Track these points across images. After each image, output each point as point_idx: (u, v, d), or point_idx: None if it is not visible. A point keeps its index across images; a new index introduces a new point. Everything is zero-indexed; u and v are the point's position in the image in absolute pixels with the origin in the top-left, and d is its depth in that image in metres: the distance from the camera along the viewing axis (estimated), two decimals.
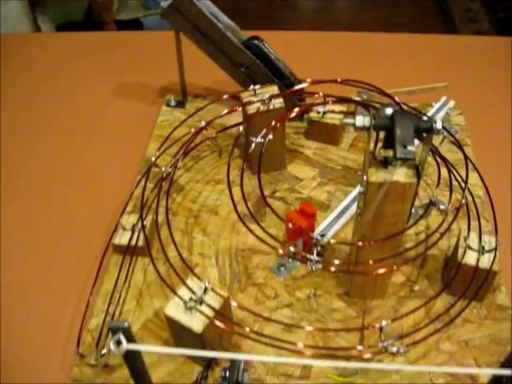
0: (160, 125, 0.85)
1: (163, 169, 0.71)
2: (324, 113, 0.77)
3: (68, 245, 0.71)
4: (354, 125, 0.49)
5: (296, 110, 0.72)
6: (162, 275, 0.60)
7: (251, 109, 0.69)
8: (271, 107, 0.69)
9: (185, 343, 0.56)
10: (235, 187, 0.66)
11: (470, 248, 0.60)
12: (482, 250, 0.59)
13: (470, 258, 0.59)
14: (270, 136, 0.68)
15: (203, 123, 0.73)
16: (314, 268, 0.58)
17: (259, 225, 0.60)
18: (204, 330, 0.52)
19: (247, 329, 0.56)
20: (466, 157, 0.67)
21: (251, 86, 0.71)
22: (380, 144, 0.50)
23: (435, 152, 0.68)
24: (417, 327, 0.58)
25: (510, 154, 0.80)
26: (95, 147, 0.85)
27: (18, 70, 1.01)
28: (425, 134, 0.49)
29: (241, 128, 0.74)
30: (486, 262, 0.59)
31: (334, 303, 0.62)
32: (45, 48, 1.08)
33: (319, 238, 0.61)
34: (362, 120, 0.48)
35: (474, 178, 0.72)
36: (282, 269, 0.66)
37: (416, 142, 0.48)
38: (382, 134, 0.50)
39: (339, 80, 0.70)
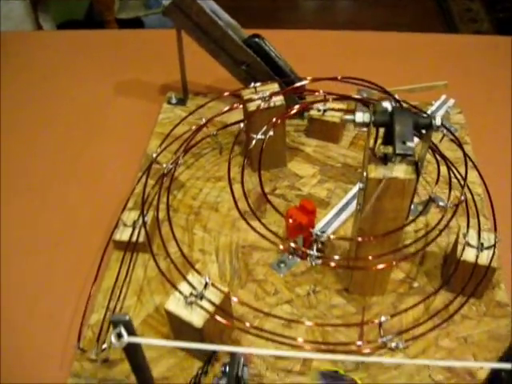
0: (161, 122, 0.86)
1: (164, 166, 0.71)
2: (324, 110, 0.77)
3: (69, 241, 0.71)
4: (353, 121, 0.49)
5: (296, 107, 0.72)
6: (162, 270, 0.60)
7: (252, 106, 0.69)
8: (272, 105, 0.69)
9: (185, 338, 0.56)
10: (236, 184, 0.66)
11: (469, 245, 0.60)
12: (481, 247, 0.59)
13: (469, 255, 0.59)
14: (271, 133, 0.68)
15: (204, 120, 0.74)
16: (314, 263, 0.58)
17: (260, 221, 0.60)
18: (204, 325, 0.52)
19: (247, 324, 0.57)
20: (465, 154, 0.67)
21: (252, 84, 0.71)
22: (380, 141, 0.50)
23: (435, 150, 0.68)
24: (416, 323, 0.58)
25: (510, 152, 0.80)
26: (96, 144, 0.85)
27: (19, 67, 1.02)
28: (424, 131, 0.49)
29: (241, 125, 0.74)
30: (484, 258, 0.59)
31: (333, 299, 0.63)
32: (46, 46, 1.08)
33: (319, 234, 0.61)
34: (361, 116, 0.49)
35: (473, 175, 0.73)
36: (282, 265, 0.66)
37: (416, 139, 0.48)
38: (381, 131, 0.50)
39: (339, 78, 0.71)
